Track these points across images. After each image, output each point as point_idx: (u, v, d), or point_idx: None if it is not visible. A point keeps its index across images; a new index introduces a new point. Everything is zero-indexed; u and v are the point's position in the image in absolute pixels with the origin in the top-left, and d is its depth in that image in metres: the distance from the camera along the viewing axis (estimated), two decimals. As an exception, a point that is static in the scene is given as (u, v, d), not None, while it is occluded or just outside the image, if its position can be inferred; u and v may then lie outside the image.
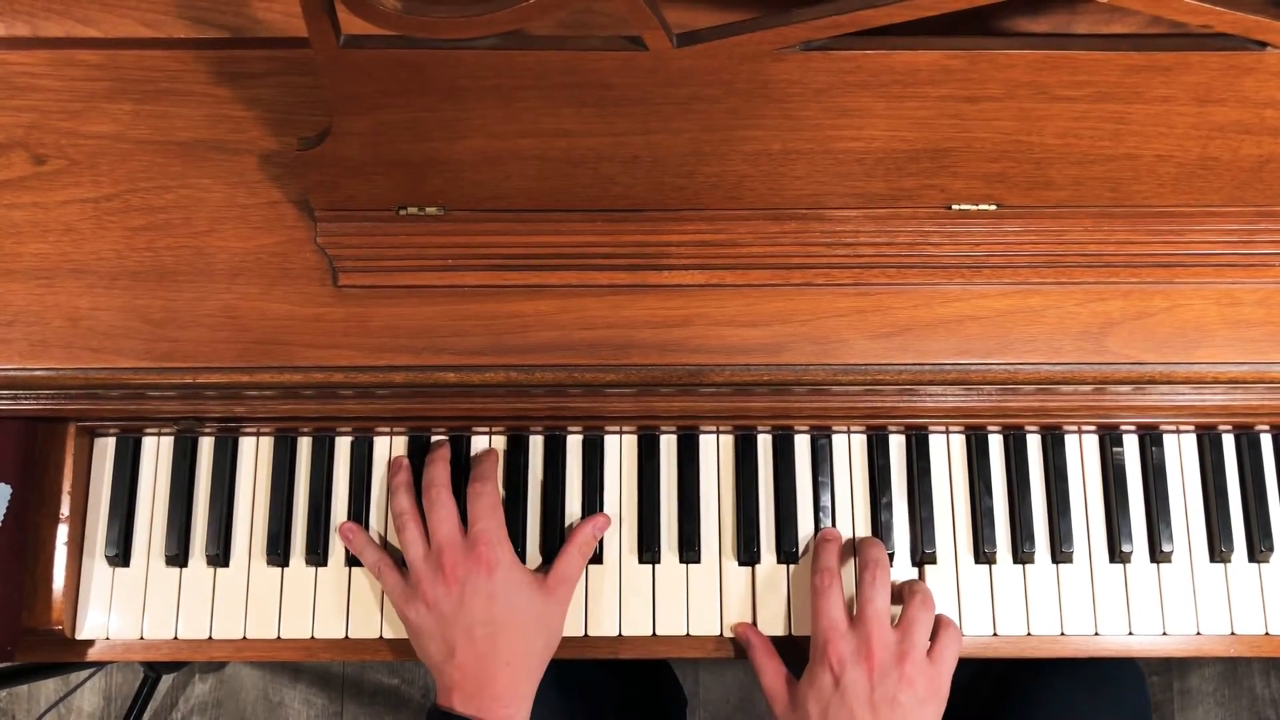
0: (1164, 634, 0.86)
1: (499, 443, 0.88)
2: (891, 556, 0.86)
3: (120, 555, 0.86)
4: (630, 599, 0.86)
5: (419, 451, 0.87)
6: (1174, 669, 1.59)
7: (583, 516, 0.87)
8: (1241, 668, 1.59)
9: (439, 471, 0.83)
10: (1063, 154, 0.70)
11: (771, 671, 0.81)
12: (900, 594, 0.83)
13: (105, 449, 0.87)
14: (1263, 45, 0.62)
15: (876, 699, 0.75)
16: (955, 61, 0.64)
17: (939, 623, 0.81)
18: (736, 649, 0.85)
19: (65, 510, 0.84)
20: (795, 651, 0.84)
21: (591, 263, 0.76)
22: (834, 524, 0.87)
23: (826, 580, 0.80)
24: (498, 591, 0.78)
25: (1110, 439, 0.88)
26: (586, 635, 0.85)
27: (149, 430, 0.88)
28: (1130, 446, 0.89)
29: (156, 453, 0.88)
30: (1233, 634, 0.86)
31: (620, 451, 0.89)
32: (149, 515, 0.87)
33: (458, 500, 0.82)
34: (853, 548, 0.86)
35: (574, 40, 0.63)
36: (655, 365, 0.76)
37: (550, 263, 0.76)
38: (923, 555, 0.86)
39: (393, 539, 0.86)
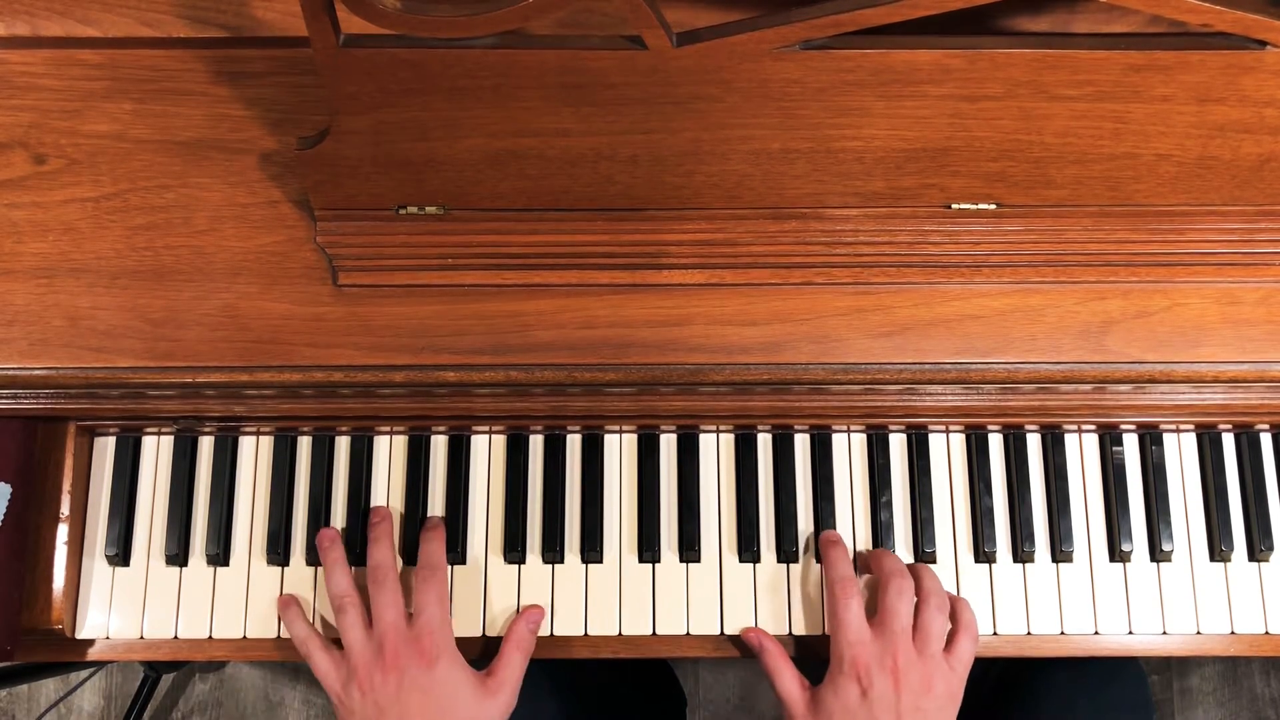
0: (1164, 633, 0.86)
1: (499, 443, 0.88)
2: (891, 556, 0.86)
3: (120, 555, 0.86)
4: (630, 598, 0.86)
5: (419, 452, 0.88)
6: (1174, 668, 1.59)
7: (583, 515, 0.87)
8: (1241, 667, 1.59)
9: (384, 554, 0.81)
10: (1062, 153, 0.70)
11: (788, 678, 0.80)
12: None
13: (105, 448, 0.87)
14: (1263, 44, 0.63)
15: (903, 708, 0.75)
16: (955, 61, 0.64)
17: (956, 622, 0.81)
18: (737, 649, 0.85)
19: (65, 510, 0.84)
20: (800, 649, 0.84)
21: (591, 262, 0.76)
22: (834, 524, 0.87)
23: (849, 590, 0.80)
24: (436, 687, 0.76)
25: (1110, 438, 0.88)
26: (587, 635, 0.85)
27: (149, 430, 0.88)
28: (1130, 446, 0.88)
29: (156, 452, 0.88)
30: (1233, 633, 0.86)
31: (620, 451, 0.88)
32: (149, 515, 0.87)
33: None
34: (854, 549, 0.86)
35: (574, 40, 0.63)
36: (655, 364, 0.76)
37: (550, 262, 0.76)
38: (923, 554, 0.86)
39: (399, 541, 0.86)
